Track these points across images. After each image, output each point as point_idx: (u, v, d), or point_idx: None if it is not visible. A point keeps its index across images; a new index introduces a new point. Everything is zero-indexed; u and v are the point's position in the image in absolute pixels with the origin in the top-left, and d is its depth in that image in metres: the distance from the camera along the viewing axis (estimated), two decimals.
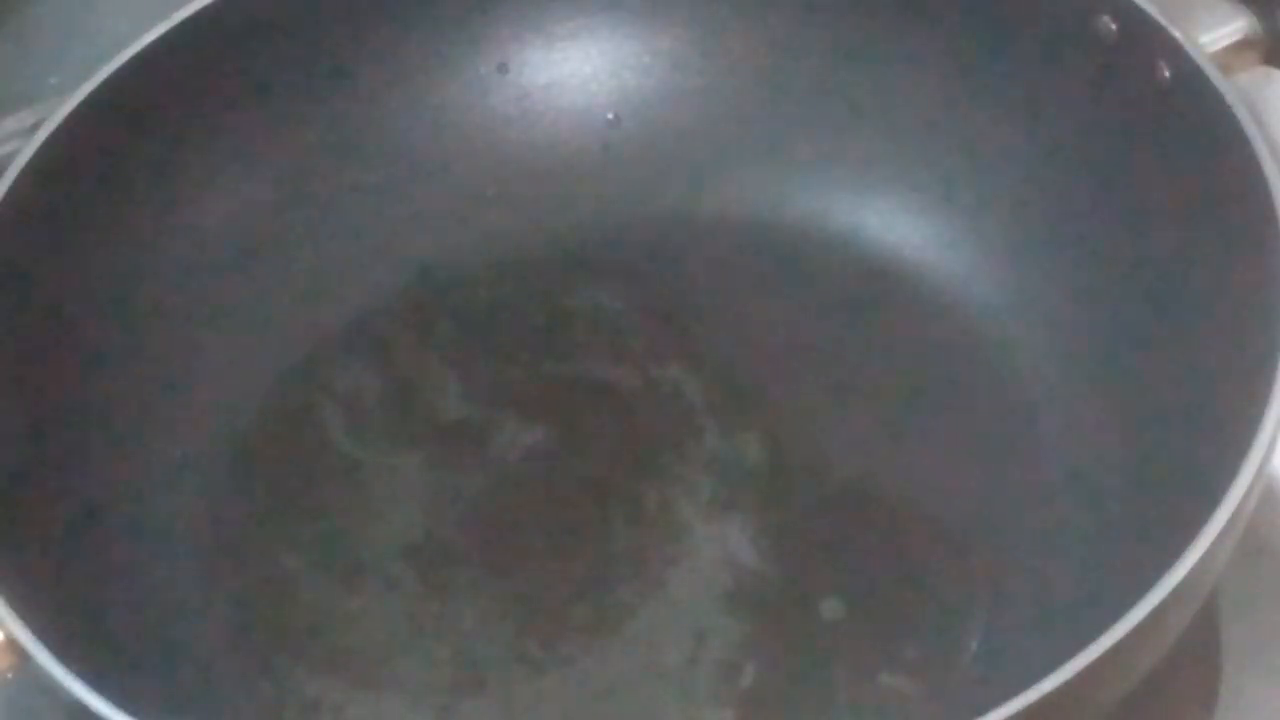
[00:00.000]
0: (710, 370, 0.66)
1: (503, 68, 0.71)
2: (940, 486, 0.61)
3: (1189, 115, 0.58)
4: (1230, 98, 0.56)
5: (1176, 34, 0.58)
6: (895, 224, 0.67)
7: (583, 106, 0.71)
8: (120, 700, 0.49)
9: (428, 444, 0.65)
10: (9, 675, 0.52)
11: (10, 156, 0.61)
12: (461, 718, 0.58)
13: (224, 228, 0.67)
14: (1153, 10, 0.59)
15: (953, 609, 0.58)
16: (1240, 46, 0.62)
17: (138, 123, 0.65)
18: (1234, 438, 0.50)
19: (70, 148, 0.62)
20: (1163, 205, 0.60)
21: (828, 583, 0.60)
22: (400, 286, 0.69)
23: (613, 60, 0.71)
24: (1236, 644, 0.60)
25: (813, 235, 0.68)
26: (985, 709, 0.46)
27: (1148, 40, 0.59)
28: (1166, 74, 0.59)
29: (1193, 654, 0.57)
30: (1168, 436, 0.57)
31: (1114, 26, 0.60)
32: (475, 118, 0.70)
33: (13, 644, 0.51)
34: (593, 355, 0.67)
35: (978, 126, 0.66)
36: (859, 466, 0.62)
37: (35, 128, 0.62)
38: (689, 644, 0.59)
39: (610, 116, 0.71)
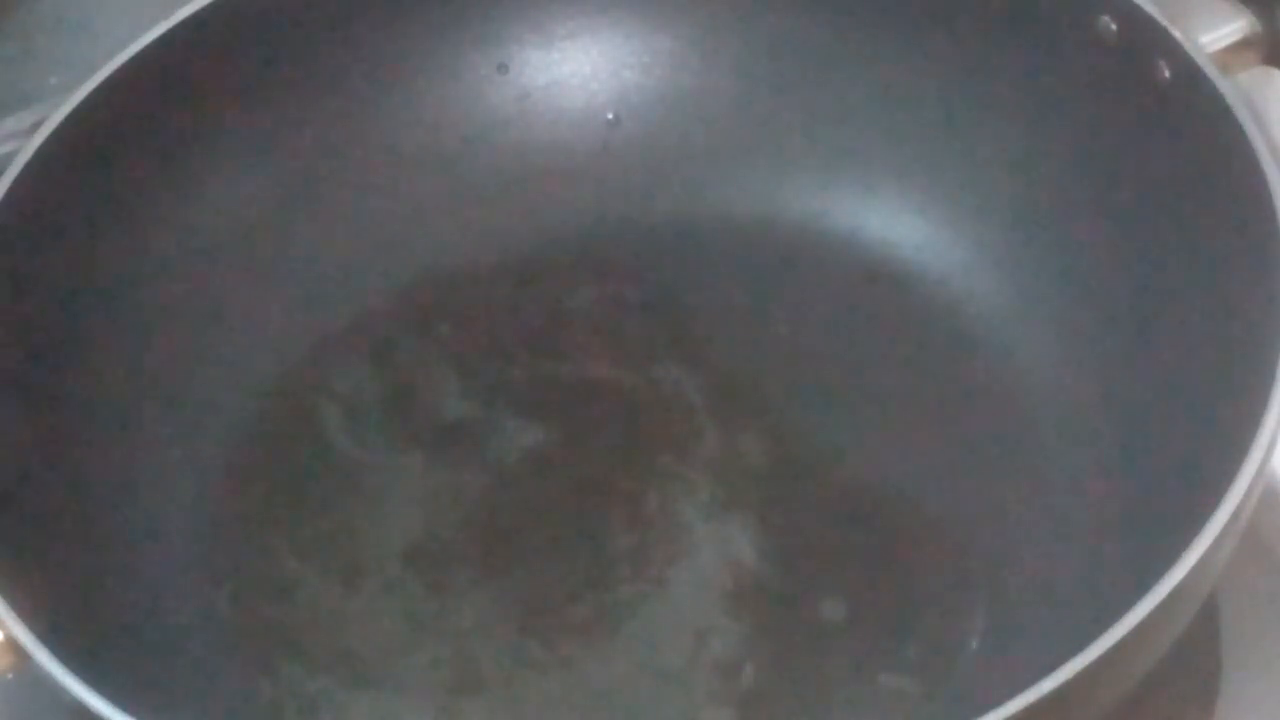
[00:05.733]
0: (710, 370, 0.66)
1: (503, 68, 0.71)
2: (940, 486, 0.61)
3: (1189, 115, 0.58)
4: (1230, 98, 0.56)
5: (1176, 34, 0.58)
6: (895, 224, 0.67)
7: (583, 106, 0.71)
8: (120, 700, 0.49)
9: (428, 444, 0.65)
10: (9, 675, 0.52)
11: (10, 156, 0.61)
12: (461, 718, 0.58)
13: (224, 227, 0.67)
14: (1153, 10, 0.59)
15: (953, 609, 0.58)
16: (1240, 46, 0.62)
17: (138, 123, 0.64)
18: (1234, 438, 0.50)
19: (70, 148, 0.62)
20: (1163, 205, 0.60)
21: (828, 583, 0.60)
22: (400, 286, 0.69)
23: (613, 60, 0.71)
24: (1236, 644, 0.60)
25: (813, 235, 0.68)
26: (985, 709, 0.46)
27: (1148, 40, 0.59)
28: (1166, 74, 0.59)
29: (1193, 654, 0.57)
30: (1168, 436, 0.57)
31: (1114, 26, 0.61)
32: (475, 118, 0.70)
33: (13, 644, 0.51)
34: (593, 355, 0.67)
35: (978, 126, 0.66)
36: (859, 466, 0.62)
37: (35, 128, 0.62)
38: (689, 644, 0.59)
39: (610, 116, 0.71)
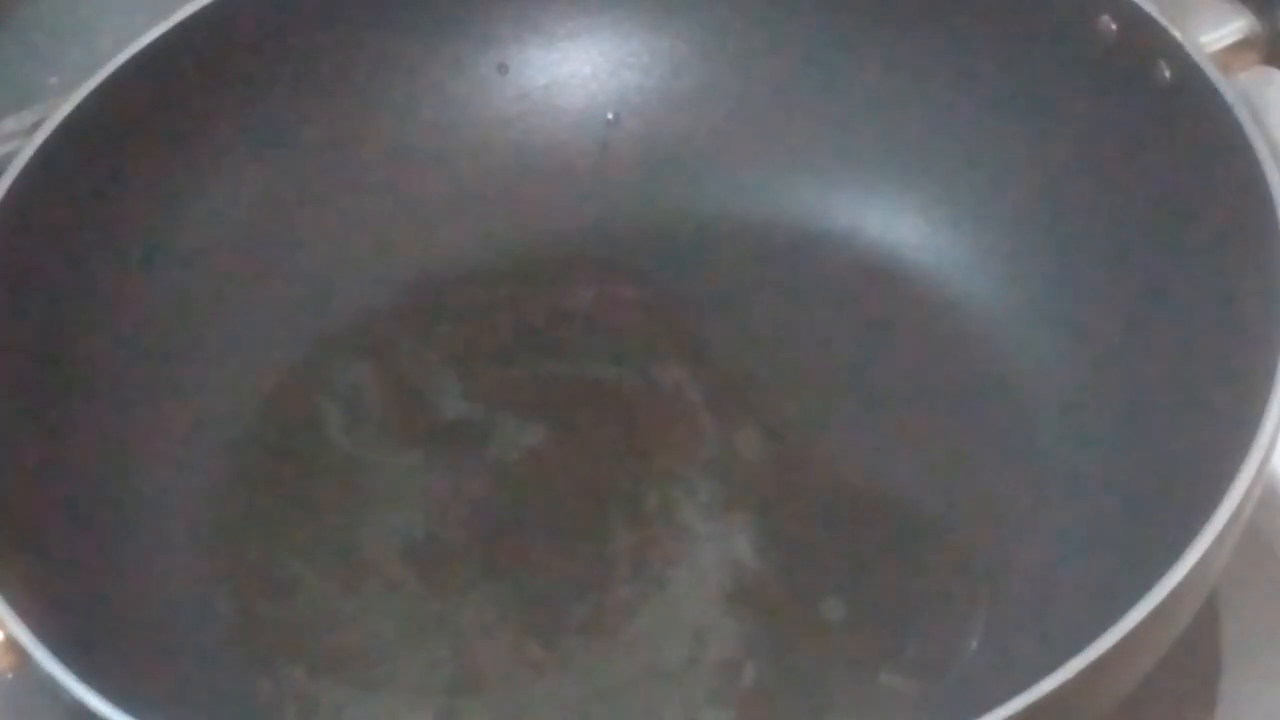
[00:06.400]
0: (710, 370, 0.66)
1: (503, 68, 0.71)
2: (940, 487, 0.61)
3: (1189, 115, 0.58)
4: (1230, 98, 0.56)
5: (1176, 34, 0.58)
6: (895, 224, 0.67)
7: (583, 106, 0.71)
8: (120, 700, 0.49)
9: (428, 444, 0.65)
10: (9, 675, 0.52)
11: (10, 156, 0.61)
12: (461, 718, 0.58)
13: (223, 227, 0.67)
14: (1153, 10, 0.59)
15: (953, 609, 0.58)
16: (1240, 46, 0.62)
17: (138, 122, 0.64)
18: (1234, 438, 0.50)
19: (70, 148, 0.62)
20: (1163, 205, 0.60)
21: (828, 583, 0.60)
22: (400, 286, 0.69)
23: (613, 60, 0.71)
24: (1236, 644, 0.60)
25: (813, 235, 0.68)
26: (985, 709, 0.46)
27: (1148, 40, 0.59)
28: (1166, 74, 0.59)
29: (1193, 654, 0.57)
30: (1168, 436, 0.57)
31: (1114, 26, 0.61)
32: (475, 118, 0.70)
33: (13, 644, 0.51)
34: (593, 355, 0.66)
35: (978, 126, 0.66)
36: (859, 466, 0.62)
37: (35, 128, 0.62)
38: (689, 644, 0.59)
39: (610, 116, 0.71)
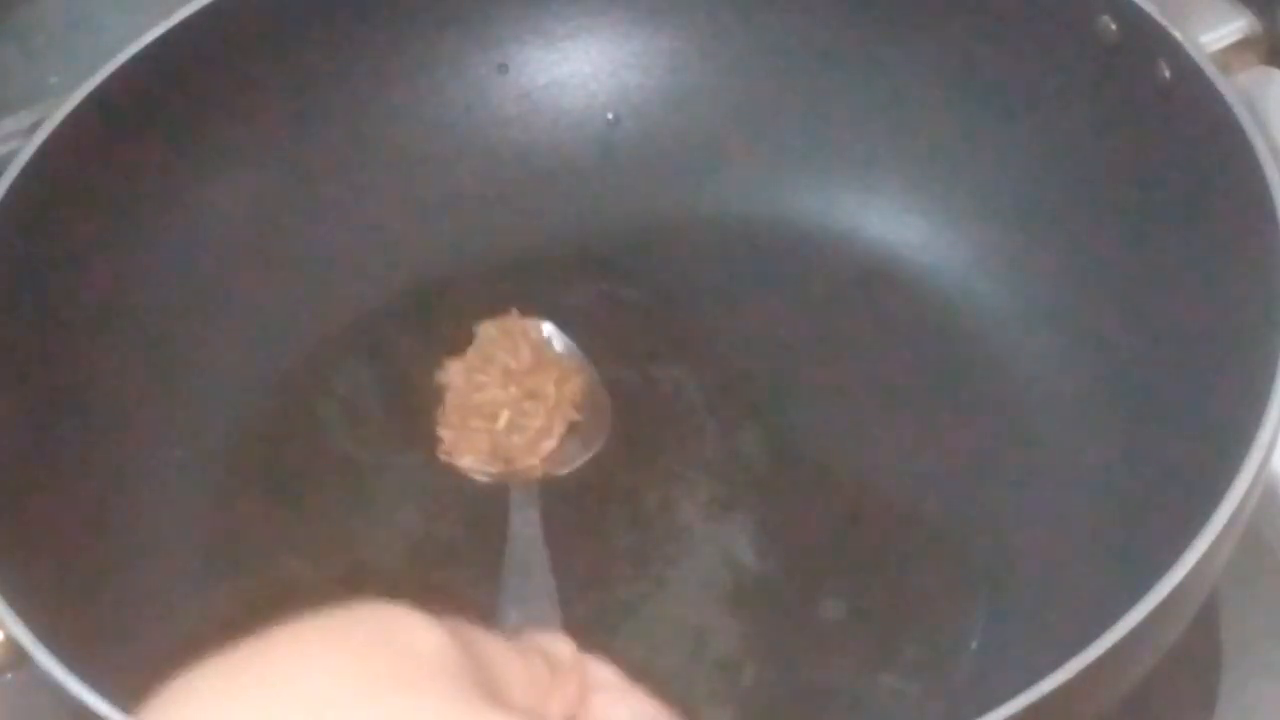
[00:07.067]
0: (710, 370, 0.66)
1: (503, 68, 0.71)
2: (940, 486, 0.61)
3: (1189, 115, 0.58)
4: (1230, 98, 0.56)
5: (1176, 34, 0.58)
6: (895, 224, 0.67)
7: (583, 106, 0.71)
8: (120, 700, 0.49)
9: (428, 444, 0.65)
10: (9, 675, 0.52)
11: (10, 156, 0.61)
12: None
13: (223, 227, 0.67)
14: (1153, 10, 0.59)
15: (953, 609, 0.58)
16: (1240, 46, 0.62)
17: (138, 123, 0.64)
18: (1234, 438, 0.50)
19: (70, 148, 0.62)
20: (1163, 205, 0.60)
21: (828, 583, 0.60)
22: (400, 286, 0.69)
23: (613, 60, 0.71)
24: (1236, 644, 0.60)
25: (813, 235, 0.68)
26: (985, 709, 0.46)
27: (1148, 40, 0.59)
28: (1166, 74, 0.59)
29: (1193, 654, 0.57)
30: (1168, 436, 0.57)
31: (1114, 26, 0.61)
32: (475, 118, 0.70)
33: (13, 644, 0.51)
34: (593, 355, 0.66)
35: (978, 126, 0.66)
36: (859, 466, 0.62)
37: (35, 128, 0.62)
38: (689, 644, 0.59)
39: (610, 116, 0.71)
